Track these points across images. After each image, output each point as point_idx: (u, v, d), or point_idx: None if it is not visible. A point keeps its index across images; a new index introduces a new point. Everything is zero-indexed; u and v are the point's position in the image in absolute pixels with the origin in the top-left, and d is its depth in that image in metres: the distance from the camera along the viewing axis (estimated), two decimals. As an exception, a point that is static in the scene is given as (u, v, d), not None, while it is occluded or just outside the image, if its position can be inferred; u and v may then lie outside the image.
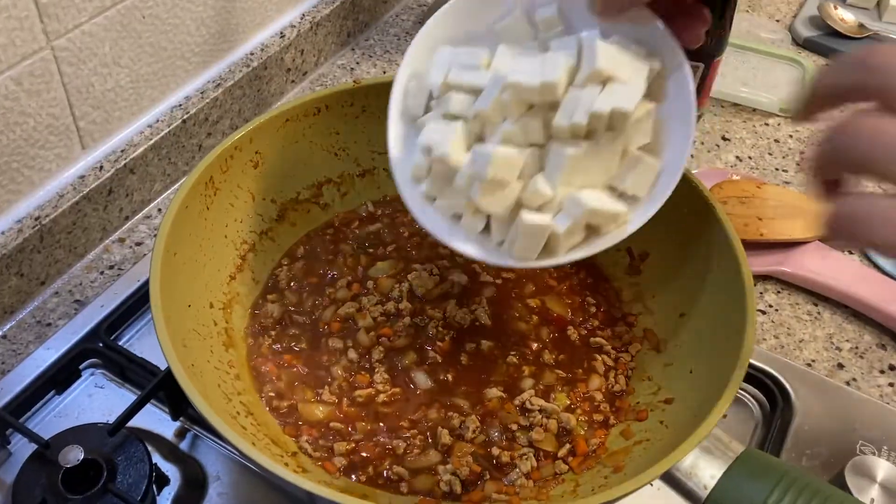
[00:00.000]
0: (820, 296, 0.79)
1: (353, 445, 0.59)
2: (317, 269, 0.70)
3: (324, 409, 0.61)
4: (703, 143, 0.95)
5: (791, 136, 0.96)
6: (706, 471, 0.50)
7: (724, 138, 0.96)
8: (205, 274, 0.63)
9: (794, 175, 0.92)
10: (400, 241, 0.72)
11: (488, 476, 0.57)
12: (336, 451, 0.58)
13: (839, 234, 0.35)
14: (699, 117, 0.95)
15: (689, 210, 0.62)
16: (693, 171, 0.68)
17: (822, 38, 1.08)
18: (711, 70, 0.89)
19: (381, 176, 0.74)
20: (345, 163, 0.73)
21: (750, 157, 0.94)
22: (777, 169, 0.92)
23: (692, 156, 0.93)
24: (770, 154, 0.94)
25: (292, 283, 0.69)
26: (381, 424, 0.60)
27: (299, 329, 0.66)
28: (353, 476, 0.57)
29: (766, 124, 0.98)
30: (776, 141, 0.96)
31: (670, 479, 0.52)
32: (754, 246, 0.81)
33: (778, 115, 0.98)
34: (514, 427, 0.59)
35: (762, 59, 1.05)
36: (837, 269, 0.80)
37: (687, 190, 0.65)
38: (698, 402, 0.54)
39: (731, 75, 1.02)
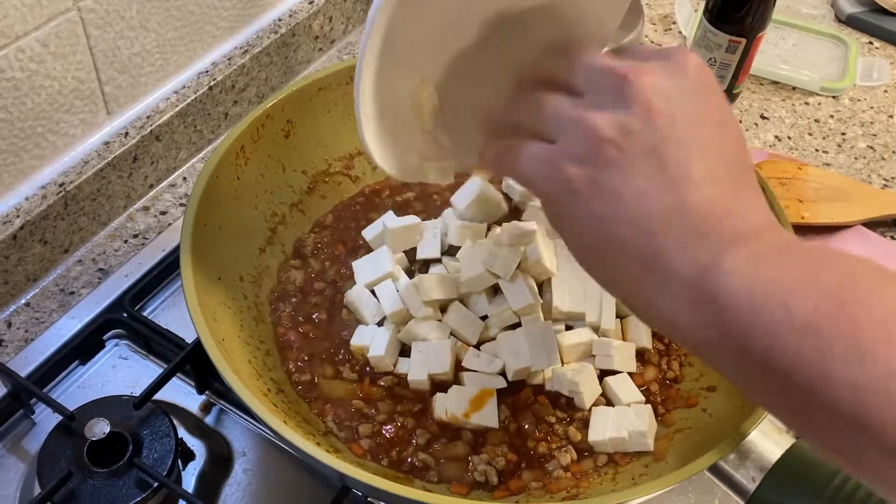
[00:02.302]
0: (861, 282, 0.77)
1: (378, 427, 0.57)
2: (343, 237, 0.68)
3: (344, 387, 0.59)
4: (741, 122, 0.92)
5: (832, 117, 0.93)
6: (754, 462, 0.48)
7: (762, 117, 0.93)
8: (235, 246, 0.61)
9: (834, 156, 0.89)
10: (431, 210, 0.70)
11: (525, 465, 0.55)
12: (361, 434, 0.57)
13: (491, 162, 0.45)
14: (737, 95, 0.92)
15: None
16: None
17: (866, 15, 1.04)
18: (753, 46, 0.86)
19: (414, 148, 0.72)
20: (377, 134, 0.71)
21: (789, 137, 0.91)
22: (817, 150, 0.90)
23: (730, 134, 0.90)
24: (810, 134, 0.91)
25: (317, 251, 0.67)
26: (404, 407, 0.58)
27: (320, 298, 0.64)
28: (377, 459, 0.56)
29: (807, 103, 0.95)
30: (816, 121, 0.93)
31: (715, 470, 0.50)
32: (795, 229, 0.78)
33: (819, 94, 0.95)
34: (552, 420, 0.57)
35: (803, 36, 1.02)
36: (879, 254, 0.78)
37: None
38: (742, 390, 0.52)
39: (770, 52, 0.99)
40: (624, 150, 0.37)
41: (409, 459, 0.56)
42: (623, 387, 0.58)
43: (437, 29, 0.44)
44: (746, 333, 0.34)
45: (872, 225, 0.81)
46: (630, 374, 0.59)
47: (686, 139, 0.37)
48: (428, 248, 0.65)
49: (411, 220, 0.65)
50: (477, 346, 0.60)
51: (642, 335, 0.61)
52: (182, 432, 0.61)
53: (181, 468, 0.60)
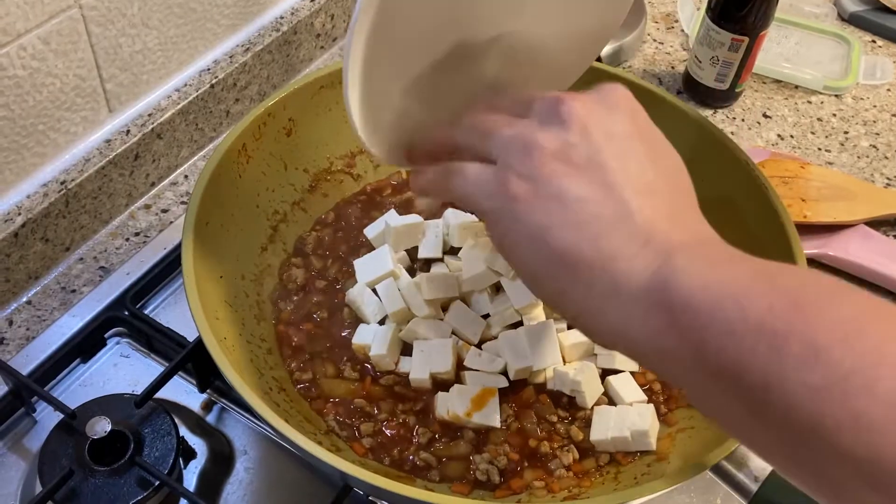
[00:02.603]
0: (864, 280, 0.76)
1: (379, 426, 0.57)
2: (345, 236, 0.68)
3: (346, 386, 0.59)
4: (743, 120, 0.92)
5: (835, 115, 0.93)
6: (756, 463, 0.48)
7: (765, 115, 0.93)
8: (236, 244, 0.61)
9: (837, 155, 0.89)
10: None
11: (527, 464, 0.55)
12: (363, 433, 0.57)
13: (428, 187, 0.45)
14: (739, 93, 0.92)
15: (740, 191, 0.60)
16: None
17: (869, 14, 1.04)
18: (756, 44, 0.86)
19: (416, 147, 0.72)
20: (378, 132, 0.71)
21: (792, 136, 0.91)
22: (820, 149, 0.89)
23: (732, 132, 0.90)
24: (812, 133, 0.91)
25: (318, 249, 0.67)
26: (405, 405, 0.58)
27: (321, 297, 0.64)
28: (378, 458, 0.56)
29: (809, 102, 0.95)
30: (819, 119, 0.93)
31: (717, 470, 0.50)
32: (797, 228, 0.78)
33: (821, 93, 0.95)
34: (554, 419, 0.57)
35: (806, 35, 1.02)
36: (882, 253, 0.77)
37: (739, 172, 0.63)
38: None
39: (772, 50, 0.99)
40: (564, 162, 0.38)
41: (410, 458, 0.56)
42: (625, 386, 0.58)
43: (413, 37, 0.45)
44: (701, 334, 0.34)
45: (875, 224, 0.80)
46: (632, 373, 0.59)
47: (623, 152, 0.39)
48: (430, 248, 0.64)
49: (414, 218, 0.65)
50: (478, 345, 0.60)
51: None
52: (183, 431, 0.61)
53: (182, 467, 0.60)
